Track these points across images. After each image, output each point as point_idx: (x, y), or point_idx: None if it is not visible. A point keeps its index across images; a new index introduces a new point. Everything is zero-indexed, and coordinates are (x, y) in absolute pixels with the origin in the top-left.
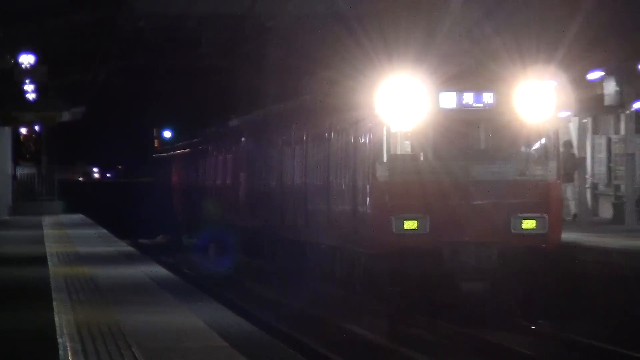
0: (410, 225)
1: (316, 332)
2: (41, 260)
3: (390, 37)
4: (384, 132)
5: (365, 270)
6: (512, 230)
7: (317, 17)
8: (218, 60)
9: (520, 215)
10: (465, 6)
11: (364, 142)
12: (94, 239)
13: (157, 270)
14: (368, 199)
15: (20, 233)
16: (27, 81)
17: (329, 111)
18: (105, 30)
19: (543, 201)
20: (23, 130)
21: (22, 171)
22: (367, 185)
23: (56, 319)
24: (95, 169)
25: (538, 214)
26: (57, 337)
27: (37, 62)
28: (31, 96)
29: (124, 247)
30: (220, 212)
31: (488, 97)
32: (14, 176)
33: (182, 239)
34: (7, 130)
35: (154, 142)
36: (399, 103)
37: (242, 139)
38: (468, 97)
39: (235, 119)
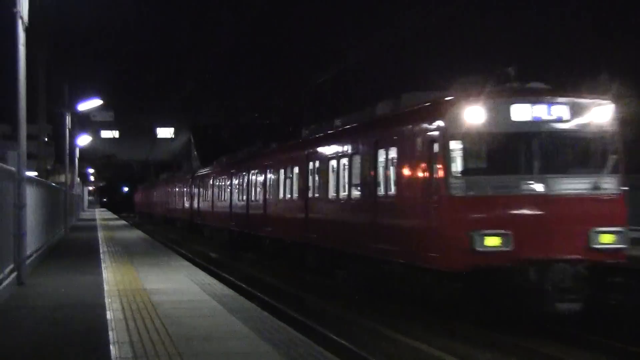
0: (492, 241)
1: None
2: (94, 220)
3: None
4: (458, 147)
5: (438, 288)
6: (592, 245)
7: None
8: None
9: (598, 229)
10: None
11: (438, 157)
12: (109, 214)
13: (125, 223)
14: (442, 214)
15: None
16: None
17: (399, 126)
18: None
19: (618, 215)
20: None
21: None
22: (442, 200)
23: (99, 235)
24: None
25: (616, 228)
26: (99, 241)
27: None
28: None
29: (117, 217)
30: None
31: (562, 110)
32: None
33: (136, 215)
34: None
35: (123, 188)
36: (471, 117)
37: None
38: (541, 110)
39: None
